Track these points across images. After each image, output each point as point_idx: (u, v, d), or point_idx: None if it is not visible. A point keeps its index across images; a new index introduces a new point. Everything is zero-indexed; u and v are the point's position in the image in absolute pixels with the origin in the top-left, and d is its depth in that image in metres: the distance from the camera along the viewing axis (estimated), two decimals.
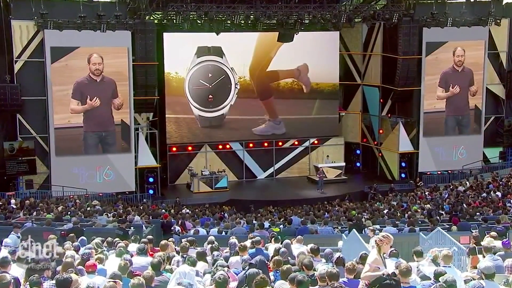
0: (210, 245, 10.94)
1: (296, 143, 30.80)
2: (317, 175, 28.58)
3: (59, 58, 24.33)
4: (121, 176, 25.63)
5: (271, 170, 30.53)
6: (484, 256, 8.96)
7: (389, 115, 30.14)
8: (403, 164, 29.23)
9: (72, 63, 24.56)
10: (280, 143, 30.45)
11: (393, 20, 27.20)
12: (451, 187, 24.82)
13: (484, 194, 21.97)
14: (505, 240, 10.67)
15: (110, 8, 24.62)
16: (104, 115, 25.30)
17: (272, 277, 8.04)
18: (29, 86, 24.45)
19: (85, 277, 7.80)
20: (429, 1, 28.11)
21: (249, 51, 29.32)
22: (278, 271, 7.91)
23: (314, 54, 29.90)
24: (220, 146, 29.64)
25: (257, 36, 29.47)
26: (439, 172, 28.79)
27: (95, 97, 25.00)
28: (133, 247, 10.66)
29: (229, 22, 27.44)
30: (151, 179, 26.56)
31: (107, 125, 25.43)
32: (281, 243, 10.91)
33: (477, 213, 17.63)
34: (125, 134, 25.73)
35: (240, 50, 29.05)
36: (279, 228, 16.27)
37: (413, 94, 28.70)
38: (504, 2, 29.00)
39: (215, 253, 10.28)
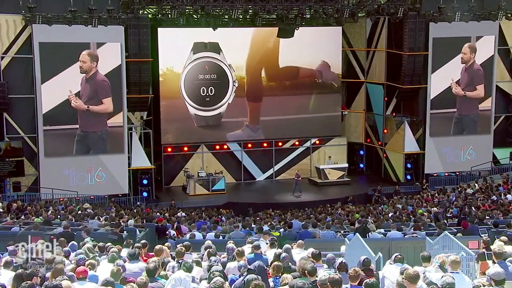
0: (207, 250, 10.65)
1: (297, 143, 30.45)
2: (295, 177, 27.89)
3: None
4: (113, 178, 25.23)
5: (270, 172, 30.17)
6: (494, 262, 8.56)
7: (394, 114, 29.76)
8: (409, 166, 28.96)
9: None
10: (280, 144, 30.16)
11: (399, 15, 26.87)
12: (459, 190, 24.40)
13: (494, 197, 21.41)
14: None
15: (102, 2, 24.03)
16: (87, 115, 24.67)
17: (271, 284, 7.98)
18: (17, 84, 24.04)
19: (76, 284, 7.59)
20: None
21: (247, 47, 28.88)
22: (278, 277, 7.90)
23: (315, 50, 29.48)
24: (217, 147, 29.31)
25: (253, 32, 29.03)
26: (446, 174, 28.39)
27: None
28: (126, 252, 10.39)
29: (227, 16, 27.09)
30: (145, 181, 26.38)
31: (87, 126, 24.76)
32: (277, 248, 10.68)
33: (487, 217, 17.13)
34: None
35: (238, 46, 28.56)
36: (279, 232, 15.91)
37: (419, 92, 28.26)
38: None
39: (213, 258, 9.85)
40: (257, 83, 29.11)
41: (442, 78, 27.73)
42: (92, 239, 12.36)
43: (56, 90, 24.02)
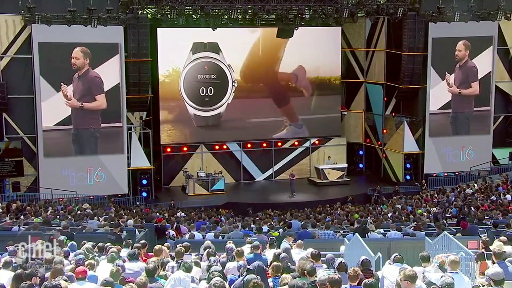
0: (206, 250, 10.71)
1: (296, 143, 30.35)
2: (289, 177, 27.81)
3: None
4: (113, 178, 25.19)
5: (270, 172, 30.09)
6: (493, 262, 8.55)
7: (393, 114, 29.63)
8: (408, 166, 28.85)
9: None
10: (279, 144, 30.05)
11: (398, 15, 26.82)
12: (458, 190, 24.38)
13: (493, 197, 21.43)
14: None
15: (101, 2, 24.06)
16: (80, 113, 24.62)
17: (271, 284, 7.98)
18: (16, 84, 24.01)
19: (75, 284, 7.54)
20: None
21: (247, 48, 28.76)
22: (277, 278, 7.90)
23: (315, 51, 29.37)
24: (217, 147, 29.21)
25: (257, 33, 28.87)
26: (445, 174, 28.29)
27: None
28: (125, 252, 10.47)
29: (226, 17, 27.04)
30: (144, 181, 26.31)
31: (80, 123, 24.72)
32: (277, 248, 10.69)
33: (486, 217, 17.17)
34: None
35: (237, 46, 28.49)
36: (279, 232, 15.80)
37: (418, 92, 28.16)
38: None
39: (212, 258, 9.85)
40: (276, 86, 29.08)
41: (444, 90, 27.69)
42: (65, 237, 12.37)
43: (57, 107, 24.05)
